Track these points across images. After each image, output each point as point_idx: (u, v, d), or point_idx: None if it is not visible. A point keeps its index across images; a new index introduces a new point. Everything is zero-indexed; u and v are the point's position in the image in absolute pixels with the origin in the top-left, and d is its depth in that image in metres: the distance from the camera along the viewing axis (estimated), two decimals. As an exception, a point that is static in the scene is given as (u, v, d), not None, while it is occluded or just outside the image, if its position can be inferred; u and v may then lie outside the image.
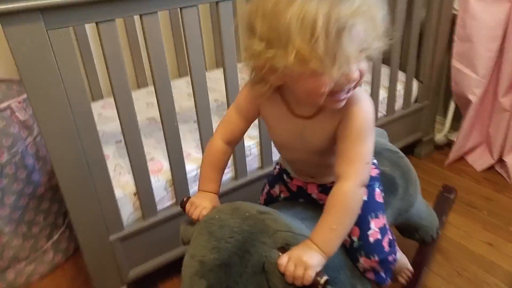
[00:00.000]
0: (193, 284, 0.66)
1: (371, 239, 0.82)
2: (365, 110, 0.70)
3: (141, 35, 1.01)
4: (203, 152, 1.19)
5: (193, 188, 1.23)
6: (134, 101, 1.02)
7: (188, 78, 1.82)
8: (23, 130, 1.24)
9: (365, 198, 0.80)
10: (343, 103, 0.67)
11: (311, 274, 0.62)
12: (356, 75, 0.62)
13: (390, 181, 0.97)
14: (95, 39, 1.68)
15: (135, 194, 1.13)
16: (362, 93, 0.71)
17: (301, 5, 0.55)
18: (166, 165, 1.20)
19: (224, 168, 0.85)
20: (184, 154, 1.18)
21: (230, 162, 1.27)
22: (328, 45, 0.55)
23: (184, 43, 1.06)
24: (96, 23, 0.89)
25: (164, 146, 1.13)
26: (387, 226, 0.87)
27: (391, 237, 0.86)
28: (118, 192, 1.09)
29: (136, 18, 1.63)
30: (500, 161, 1.73)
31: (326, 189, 0.87)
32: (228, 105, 1.18)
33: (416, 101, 1.77)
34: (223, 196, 1.10)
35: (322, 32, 0.54)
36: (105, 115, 1.53)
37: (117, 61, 0.94)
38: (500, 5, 1.51)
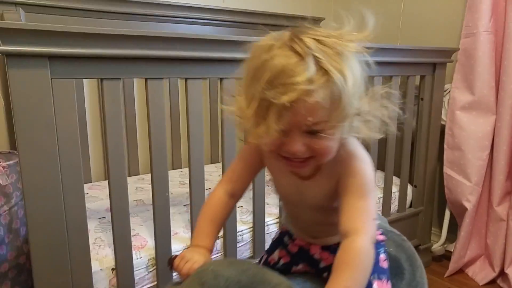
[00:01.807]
0: None
1: None
2: (363, 165, 0.68)
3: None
4: (192, 232, 1.08)
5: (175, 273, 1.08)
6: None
7: (180, 170, 1.83)
8: (0, 196, 1.13)
9: None
10: (304, 169, 0.66)
11: None
12: (295, 148, 0.60)
13: (396, 263, 0.89)
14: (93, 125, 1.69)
15: (113, 270, 0.98)
16: (358, 149, 0.69)
17: (266, 56, 0.58)
18: (150, 242, 1.08)
19: (222, 223, 0.77)
20: (172, 233, 1.07)
21: (220, 246, 1.15)
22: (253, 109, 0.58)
23: (187, 134, 1.05)
24: (101, 80, 0.88)
25: (150, 224, 1.04)
26: None
27: None
28: (94, 265, 0.95)
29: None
30: (502, 273, 1.60)
31: (329, 248, 0.78)
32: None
33: (411, 205, 1.74)
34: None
35: (257, 94, 0.57)
36: (91, 195, 1.48)
37: (116, 122, 0.91)
38: (486, 118, 1.57)
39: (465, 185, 1.61)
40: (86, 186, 1.62)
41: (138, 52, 0.90)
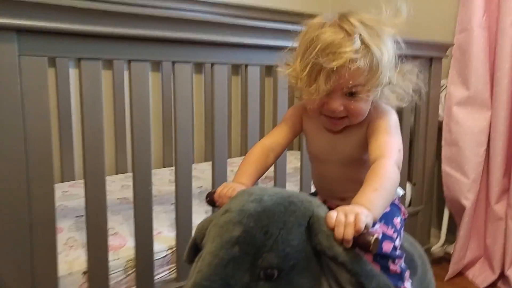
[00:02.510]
0: (224, 231, 0.56)
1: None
2: (388, 111, 0.79)
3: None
4: (177, 232, 0.99)
5: (160, 274, 0.98)
6: (109, 184, 0.91)
7: (171, 168, 1.72)
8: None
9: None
10: (340, 126, 0.78)
11: (363, 219, 0.55)
12: (335, 107, 0.73)
13: (409, 258, 0.85)
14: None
15: (84, 273, 0.87)
16: (385, 107, 0.80)
17: (319, 31, 0.72)
18: (130, 242, 0.97)
19: (262, 171, 0.82)
20: (155, 232, 0.97)
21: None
22: (306, 72, 0.71)
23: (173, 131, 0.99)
24: (78, 60, 0.79)
25: (132, 222, 0.93)
26: (396, 240, 0.81)
27: (398, 248, 0.82)
28: (63, 269, 0.84)
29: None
30: (502, 275, 1.52)
31: None
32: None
33: (410, 204, 1.66)
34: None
35: (311, 60, 0.70)
36: (71, 192, 1.36)
37: (95, 109, 0.82)
38: (481, 113, 1.52)
39: (463, 182, 1.55)
40: (67, 183, 1.52)
41: (121, 30, 0.80)
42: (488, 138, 1.53)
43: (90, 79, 0.81)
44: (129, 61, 0.86)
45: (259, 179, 0.83)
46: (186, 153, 0.98)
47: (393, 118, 0.79)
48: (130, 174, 1.63)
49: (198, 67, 1.89)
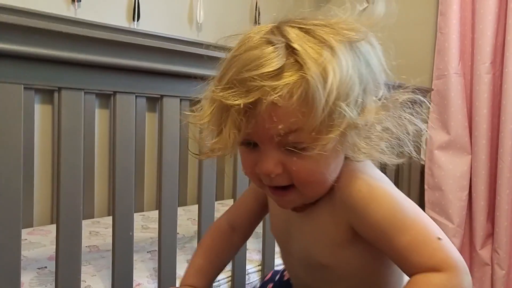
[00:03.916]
0: None
1: None
2: (380, 190, 0.48)
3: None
4: (159, 283, 0.88)
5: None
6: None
7: (142, 213, 1.60)
8: None
9: None
10: (288, 200, 0.50)
11: None
12: (266, 167, 0.45)
13: None
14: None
15: None
16: (368, 171, 0.50)
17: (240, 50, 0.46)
18: None
19: (224, 259, 0.64)
20: (135, 284, 0.86)
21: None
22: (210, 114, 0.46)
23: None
24: (59, 89, 0.70)
25: (106, 274, 0.82)
26: None
27: None
28: None
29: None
30: None
31: None
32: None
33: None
34: None
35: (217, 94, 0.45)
36: (30, 240, 1.19)
37: (74, 139, 0.71)
38: (462, 157, 1.53)
39: (447, 227, 1.51)
40: (25, 231, 1.33)
41: (105, 59, 0.72)
42: (470, 182, 1.53)
43: (71, 112, 0.71)
44: (114, 94, 0.78)
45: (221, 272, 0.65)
46: (172, 197, 0.88)
47: (390, 190, 0.49)
48: (97, 219, 1.49)
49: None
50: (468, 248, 1.56)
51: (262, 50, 0.43)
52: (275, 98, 0.41)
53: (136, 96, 0.81)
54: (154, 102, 1.68)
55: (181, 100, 0.89)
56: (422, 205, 1.64)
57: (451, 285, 0.44)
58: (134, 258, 1.02)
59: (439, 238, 0.46)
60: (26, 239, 1.22)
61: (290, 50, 0.43)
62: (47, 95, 1.44)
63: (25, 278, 0.91)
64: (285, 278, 0.70)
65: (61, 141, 0.71)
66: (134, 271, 0.86)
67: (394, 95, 0.49)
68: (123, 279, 0.81)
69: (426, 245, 0.45)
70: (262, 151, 0.46)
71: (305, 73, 0.41)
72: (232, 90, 0.42)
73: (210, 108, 0.46)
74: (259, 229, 0.90)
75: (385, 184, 0.49)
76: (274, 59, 0.42)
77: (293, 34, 0.44)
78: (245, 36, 0.47)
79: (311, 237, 0.53)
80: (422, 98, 0.52)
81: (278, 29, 0.45)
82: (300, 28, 0.44)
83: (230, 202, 1.71)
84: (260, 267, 1.11)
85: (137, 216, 1.55)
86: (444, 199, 1.54)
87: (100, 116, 1.56)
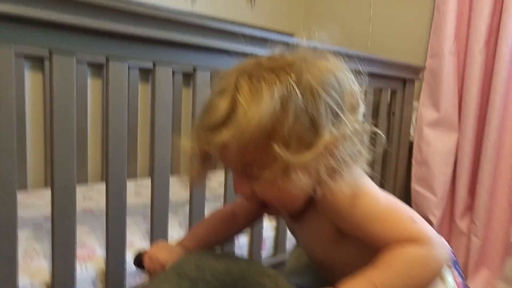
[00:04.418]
0: None
1: None
2: (356, 197, 0.51)
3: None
4: (151, 242, 0.93)
5: (131, 284, 0.90)
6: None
7: (135, 181, 1.64)
8: None
9: None
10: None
11: None
12: (236, 189, 0.53)
13: None
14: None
15: (47, 285, 0.77)
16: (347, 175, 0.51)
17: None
18: (100, 252, 0.88)
19: (218, 238, 0.68)
20: (126, 242, 0.90)
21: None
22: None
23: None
24: (50, 53, 0.70)
25: (100, 234, 0.86)
26: None
27: None
28: (23, 280, 0.74)
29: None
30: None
31: None
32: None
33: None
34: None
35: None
36: (25, 203, 1.22)
37: (66, 104, 0.73)
38: (450, 135, 1.56)
39: (431, 200, 1.57)
40: (20, 195, 1.38)
41: (97, 24, 0.73)
42: (455, 159, 1.57)
43: (63, 76, 0.72)
44: (107, 59, 0.79)
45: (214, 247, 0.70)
46: (164, 161, 0.91)
47: (369, 197, 0.52)
48: (91, 186, 1.51)
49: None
50: (448, 219, 1.62)
51: (218, 102, 0.48)
52: (220, 142, 0.47)
53: (129, 68, 0.83)
54: (147, 74, 1.69)
55: (174, 72, 0.92)
56: (408, 179, 1.69)
57: (425, 255, 0.47)
58: (128, 221, 1.07)
59: (413, 219, 0.50)
60: (21, 202, 1.26)
61: (235, 92, 0.48)
62: (38, 63, 1.43)
63: (22, 235, 0.94)
64: None
65: (53, 106, 0.72)
66: (127, 232, 0.91)
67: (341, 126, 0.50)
68: (116, 237, 0.85)
69: (401, 224, 0.49)
70: (233, 175, 0.53)
71: (236, 113, 0.46)
72: (199, 133, 0.50)
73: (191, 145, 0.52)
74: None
75: (361, 183, 0.53)
76: (220, 105, 0.48)
77: (238, 75, 0.49)
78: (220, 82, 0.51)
79: (307, 237, 0.60)
80: (376, 130, 0.54)
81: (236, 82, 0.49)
82: (250, 82, 0.48)
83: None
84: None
85: (130, 183, 1.59)
86: (430, 174, 1.58)
87: (92, 87, 1.56)
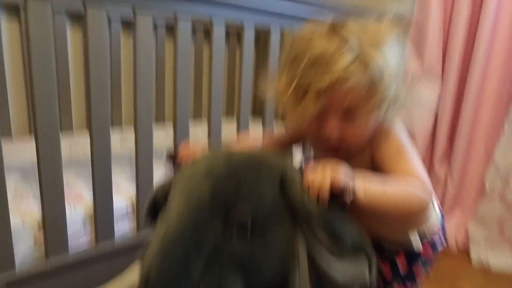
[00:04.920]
0: (193, 184, 0.51)
1: None
2: (395, 132, 0.64)
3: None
4: (137, 185, 0.96)
5: (120, 227, 0.97)
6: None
7: (120, 129, 1.66)
8: None
9: (399, 264, 0.71)
10: (336, 153, 0.64)
11: (340, 180, 0.49)
12: (329, 132, 0.60)
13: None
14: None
15: (40, 227, 0.82)
16: (389, 123, 0.65)
17: (307, 42, 0.60)
18: (87, 196, 0.93)
19: None
20: (113, 186, 0.95)
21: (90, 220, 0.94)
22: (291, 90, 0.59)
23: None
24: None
25: (87, 178, 0.88)
26: None
27: None
28: (14, 219, 0.79)
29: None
30: None
31: None
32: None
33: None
34: (73, 269, 0.87)
35: (296, 76, 0.58)
36: (11, 150, 1.24)
37: (44, 52, 0.73)
38: (433, 85, 1.58)
39: None
40: (4, 142, 1.36)
41: None
42: (437, 108, 1.59)
43: (39, 22, 0.72)
44: (84, 6, 0.78)
45: None
46: (147, 110, 0.92)
47: (403, 136, 0.64)
48: (76, 136, 1.52)
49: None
50: (428, 165, 1.67)
51: (332, 46, 0.57)
52: (347, 84, 0.55)
53: (111, 21, 0.80)
54: (128, 25, 1.66)
55: (157, 26, 0.90)
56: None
57: (422, 192, 0.57)
58: (115, 167, 1.10)
59: (424, 171, 0.61)
60: (6, 150, 1.27)
61: (355, 47, 0.56)
62: (14, 11, 1.40)
63: (10, 179, 0.98)
64: None
65: (31, 55, 0.73)
66: (114, 176, 0.94)
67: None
68: (103, 183, 0.89)
69: (417, 170, 0.60)
70: (325, 119, 0.60)
71: (370, 65, 0.56)
72: (314, 74, 0.56)
73: (290, 85, 0.59)
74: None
75: (400, 131, 0.65)
76: (344, 52, 0.56)
77: (352, 32, 0.58)
78: (307, 30, 0.61)
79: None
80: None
81: (339, 27, 0.59)
82: (355, 28, 0.59)
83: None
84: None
85: (116, 131, 1.61)
86: (412, 122, 1.63)
87: (73, 37, 1.54)
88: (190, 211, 0.49)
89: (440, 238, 0.72)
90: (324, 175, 0.50)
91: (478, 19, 1.46)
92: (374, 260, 0.53)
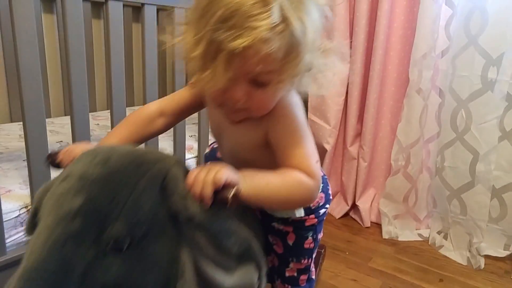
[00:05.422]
0: (63, 202, 0.45)
1: (287, 274, 0.77)
2: (293, 110, 0.61)
3: None
4: (32, 189, 0.89)
5: (13, 236, 0.88)
6: None
7: (20, 123, 1.52)
8: None
9: (290, 242, 0.73)
10: (236, 118, 0.61)
11: (222, 176, 0.47)
12: (236, 96, 0.54)
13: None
14: None
15: None
16: (287, 98, 0.61)
17: None
18: None
19: (141, 136, 0.68)
20: (3, 191, 0.86)
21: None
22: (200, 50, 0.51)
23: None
24: None
25: None
26: (311, 266, 0.79)
27: (311, 277, 0.80)
28: None
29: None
30: (354, 206, 1.74)
31: None
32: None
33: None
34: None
35: (207, 33, 0.50)
36: None
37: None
38: (342, 66, 1.68)
39: (325, 129, 1.67)
40: None
41: None
42: (346, 89, 1.66)
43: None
44: None
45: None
46: (36, 104, 0.84)
47: (300, 116, 0.61)
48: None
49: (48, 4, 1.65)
50: (341, 146, 1.74)
51: (250, 0, 0.47)
52: (265, 46, 0.48)
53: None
54: (98, 7, 1.54)
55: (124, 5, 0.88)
56: (306, 109, 1.80)
57: (309, 186, 0.58)
58: (7, 167, 1.02)
59: (316, 161, 0.60)
60: None
61: (279, 4, 0.48)
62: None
63: None
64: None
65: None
66: (5, 178, 0.87)
67: (326, 43, 0.59)
68: (39, 174, 0.87)
69: (307, 160, 0.58)
70: (234, 82, 0.53)
71: (292, 27, 0.49)
72: (228, 32, 0.47)
73: (202, 44, 0.50)
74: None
75: (299, 109, 0.62)
76: (266, 9, 0.47)
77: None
78: None
79: (237, 139, 0.65)
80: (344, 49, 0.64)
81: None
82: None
83: (103, 113, 1.73)
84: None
85: (14, 126, 1.48)
86: (324, 104, 1.66)
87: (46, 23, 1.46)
88: (58, 225, 0.44)
89: (324, 203, 0.75)
90: (208, 173, 0.48)
91: None
92: (264, 265, 0.52)
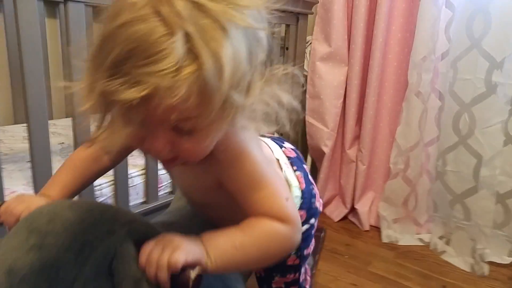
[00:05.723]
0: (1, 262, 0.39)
1: (273, 286, 0.75)
2: (244, 152, 0.52)
3: None
4: (35, 190, 0.91)
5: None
6: None
7: (25, 125, 1.53)
8: None
9: None
10: (167, 166, 0.57)
11: (179, 257, 0.41)
12: (155, 148, 0.44)
13: None
14: None
15: None
16: (237, 142, 0.52)
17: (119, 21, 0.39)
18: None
19: (88, 178, 0.63)
20: (7, 192, 0.88)
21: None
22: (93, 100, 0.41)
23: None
24: None
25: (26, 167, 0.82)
26: (300, 279, 0.76)
27: (305, 286, 0.78)
28: None
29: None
30: (352, 209, 1.73)
31: None
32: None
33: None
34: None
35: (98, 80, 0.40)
36: None
37: None
38: (340, 68, 1.61)
39: (323, 131, 1.66)
40: None
41: None
42: (345, 91, 1.65)
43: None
44: None
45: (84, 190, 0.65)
46: (40, 107, 0.83)
47: (256, 152, 0.53)
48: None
49: (51, 10, 1.68)
50: (340, 149, 1.73)
51: (154, 31, 0.37)
52: (171, 94, 0.38)
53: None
54: (53, 6, 1.50)
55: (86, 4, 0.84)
56: (304, 111, 1.81)
57: (286, 234, 0.51)
58: (11, 168, 1.04)
59: (286, 199, 0.53)
60: None
61: (186, 35, 0.38)
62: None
63: None
64: None
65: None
66: (9, 180, 0.90)
67: (273, 69, 0.49)
68: (43, 177, 0.87)
69: (273, 202, 0.52)
70: (150, 131, 0.43)
71: (201, 68, 0.38)
72: (119, 81, 0.37)
73: (91, 96, 0.40)
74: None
75: (252, 147, 0.53)
76: (170, 45, 0.37)
77: (186, 9, 0.38)
78: (127, 2, 0.39)
79: (188, 182, 0.61)
80: (296, 72, 0.53)
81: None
82: (193, 2, 0.39)
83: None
84: (144, 171, 1.20)
85: (18, 127, 1.46)
86: (322, 107, 1.65)
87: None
88: None
89: (307, 219, 0.70)
90: (162, 252, 0.42)
91: (376, 1, 1.51)
92: None
